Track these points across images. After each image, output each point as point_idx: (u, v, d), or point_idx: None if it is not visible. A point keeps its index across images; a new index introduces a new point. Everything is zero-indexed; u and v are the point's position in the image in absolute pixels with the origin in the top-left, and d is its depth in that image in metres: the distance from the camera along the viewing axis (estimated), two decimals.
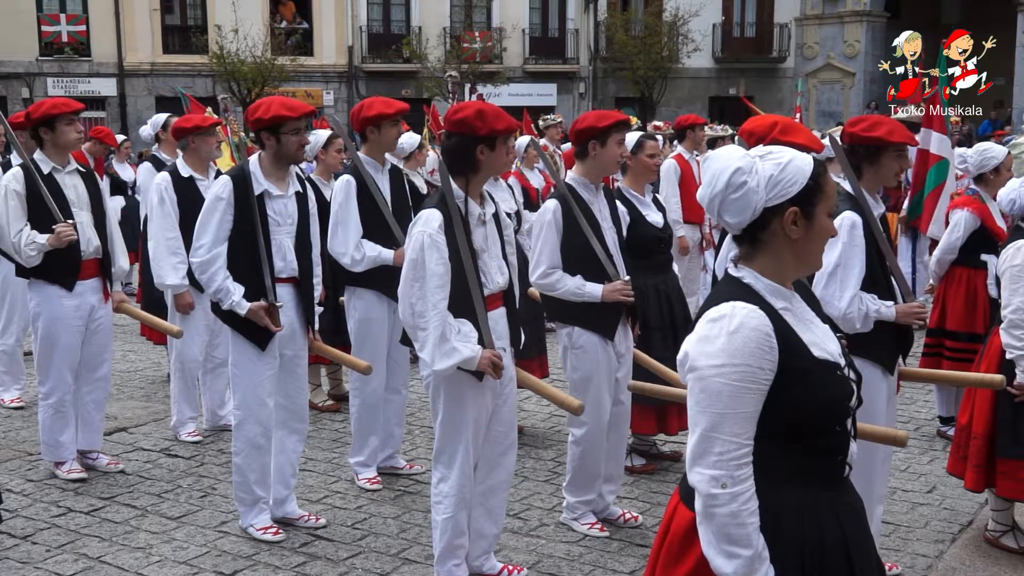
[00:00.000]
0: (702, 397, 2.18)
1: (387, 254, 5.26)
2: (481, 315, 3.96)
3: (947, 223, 6.41)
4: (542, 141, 10.57)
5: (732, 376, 2.14)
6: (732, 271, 2.32)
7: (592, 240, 4.62)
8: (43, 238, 5.29)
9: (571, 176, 4.79)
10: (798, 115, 15.35)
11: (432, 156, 8.86)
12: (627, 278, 4.70)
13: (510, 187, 8.02)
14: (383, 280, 5.28)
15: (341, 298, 5.75)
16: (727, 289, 2.28)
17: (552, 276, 4.62)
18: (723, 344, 2.16)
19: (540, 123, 12.60)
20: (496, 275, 4.09)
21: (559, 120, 12.94)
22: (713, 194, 2.26)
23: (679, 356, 2.28)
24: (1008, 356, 4.45)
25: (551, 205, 4.66)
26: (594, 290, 4.61)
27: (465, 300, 3.93)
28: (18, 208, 5.31)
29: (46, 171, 5.39)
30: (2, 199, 5.30)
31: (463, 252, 3.92)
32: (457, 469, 4.07)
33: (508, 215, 4.47)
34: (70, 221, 5.36)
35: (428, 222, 3.88)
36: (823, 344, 2.28)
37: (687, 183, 8.83)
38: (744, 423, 2.16)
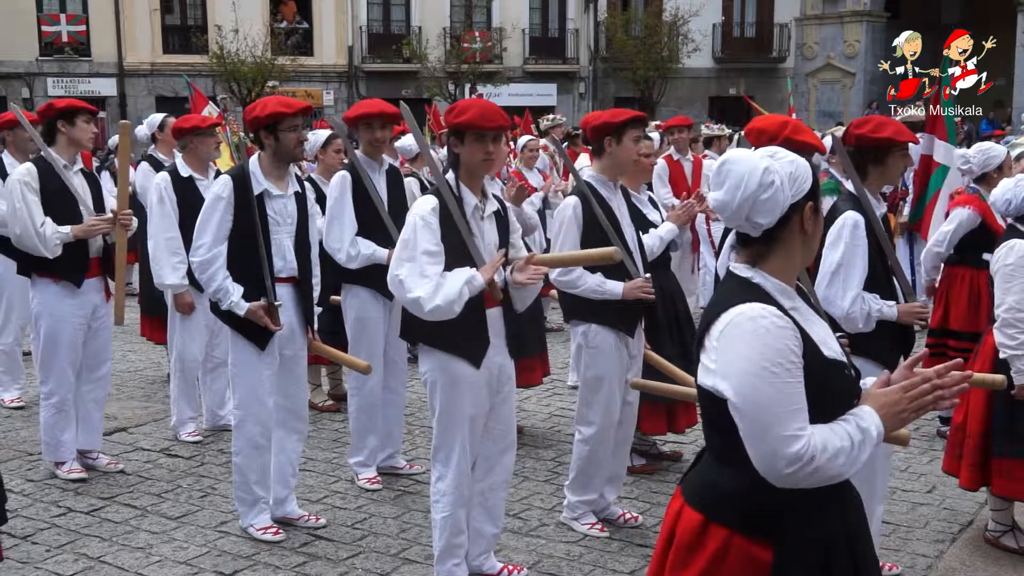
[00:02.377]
0: (750, 409, 2.13)
1: (381, 253, 5.24)
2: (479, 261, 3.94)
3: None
4: (542, 141, 10.58)
5: (772, 378, 2.11)
6: (739, 271, 2.30)
7: (612, 237, 4.59)
8: (67, 229, 5.31)
9: (589, 174, 4.76)
10: (791, 115, 15.31)
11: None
12: (648, 275, 4.68)
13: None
14: (378, 278, 5.26)
15: (333, 296, 5.72)
16: (737, 291, 2.26)
17: (572, 273, 4.58)
18: (756, 347, 2.13)
19: (540, 123, 12.60)
20: None
21: (560, 120, 12.94)
22: (745, 197, 2.22)
23: (699, 371, 2.26)
24: (1001, 355, 4.44)
25: (571, 201, 4.64)
26: (615, 287, 4.58)
27: None
28: (37, 202, 5.31)
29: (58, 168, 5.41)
30: (19, 195, 5.29)
31: (463, 230, 3.91)
32: (454, 467, 4.06)
33: None
34: (105, 215, 5.42)
35: (422, 206, 3.90)
36: (829, 343, 2.29)
37: (675, 183, 8.88)
38: (800, 415, 2.12)
